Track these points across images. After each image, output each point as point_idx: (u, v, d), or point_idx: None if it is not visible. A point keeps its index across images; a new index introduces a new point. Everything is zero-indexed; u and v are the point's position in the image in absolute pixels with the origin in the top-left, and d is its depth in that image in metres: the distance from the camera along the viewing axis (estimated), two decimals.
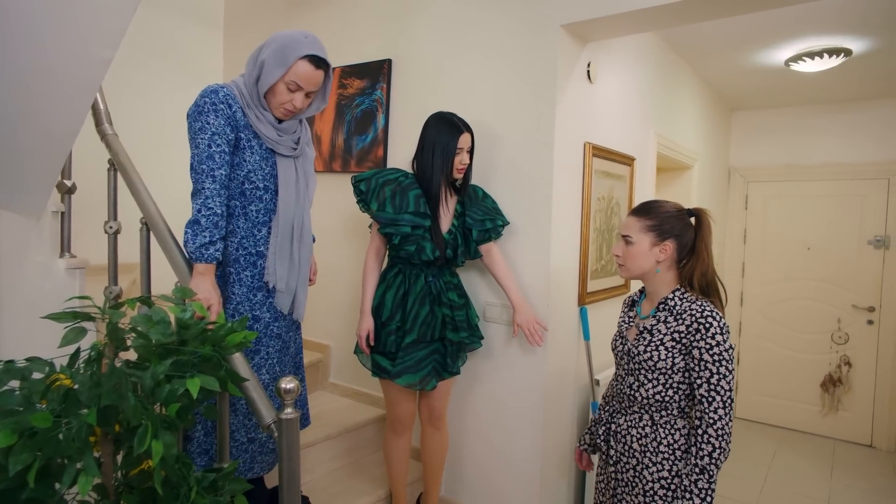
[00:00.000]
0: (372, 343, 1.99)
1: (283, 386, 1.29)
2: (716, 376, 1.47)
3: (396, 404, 2.03)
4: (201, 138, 1.56)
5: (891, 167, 4.11)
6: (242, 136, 1.63)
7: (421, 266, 1.99)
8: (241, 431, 1.70)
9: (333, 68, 2.71)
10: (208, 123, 1.56)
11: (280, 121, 1.70)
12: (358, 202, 2.06)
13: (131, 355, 1.28)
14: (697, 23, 2.11)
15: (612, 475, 1.66)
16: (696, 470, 1.46)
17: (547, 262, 2.10)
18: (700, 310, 1.53)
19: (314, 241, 1.91)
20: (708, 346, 1.48)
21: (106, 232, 1.81)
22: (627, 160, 2.67)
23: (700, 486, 1.45)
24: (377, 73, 2.57)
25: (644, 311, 1.66)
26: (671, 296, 1.58)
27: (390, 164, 2.56)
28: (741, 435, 4.38)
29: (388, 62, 2.52)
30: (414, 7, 2.46)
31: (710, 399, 1.46)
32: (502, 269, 2.09)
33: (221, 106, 1.58)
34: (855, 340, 4.25)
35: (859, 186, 4.24)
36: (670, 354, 1.54)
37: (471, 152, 2.01)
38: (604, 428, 1.71)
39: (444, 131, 1.95)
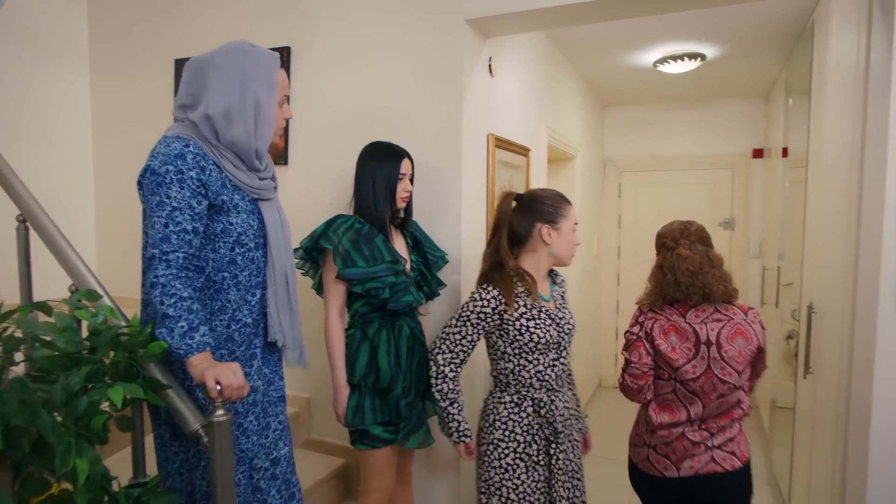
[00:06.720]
0: (361, 422, 1.77)
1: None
2: None
3: (386, 472, 1.84)
4: (157, 216, 1.27)
5: (734, 159, 4.73)
6: (225, 198, 1.36)
7: (401, 315, 1.84)
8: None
9: None
10: (168, 198, 1.27)
11: (258, 156, 1.45)
12: (303, 264, 1.84)
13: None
14: (586, 24, 2.28)
15: (573, 462, 1.73)
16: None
17: (459, 252, 2.17)
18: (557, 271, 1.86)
19: None
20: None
21: None
22: (524, 151, 2.82)
23: None
24: None
25: (544, 291, 1.75)
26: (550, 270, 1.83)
27: (292, 157, 2.47)
28: None
29: (288, 50, 2.43)
30: None
31: None
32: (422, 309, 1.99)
33: (191, 173, 1.30)
34: None
35: (710, 175, 4.83)
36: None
37: (411, 180, 1.90)
38: (549, 429, 1.68)
39: (385, 158, 1.83)
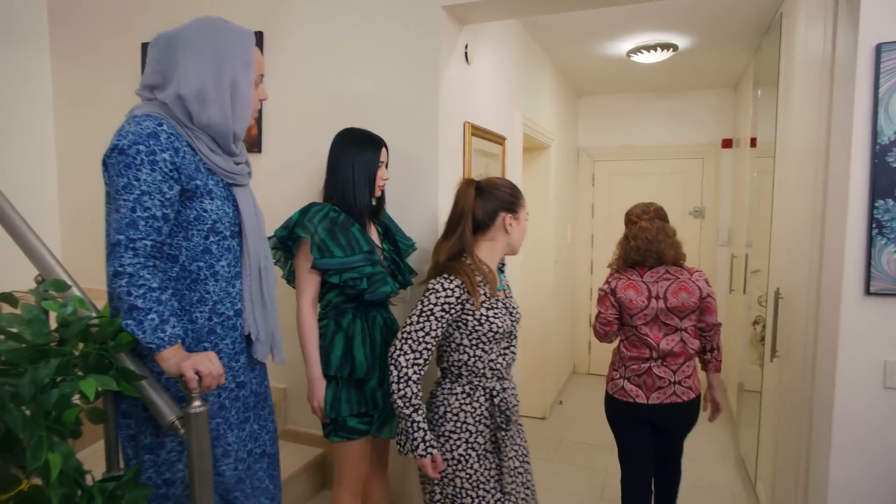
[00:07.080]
0: (338, 414, 1.74)
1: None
2: None
3: (360, 463, 1.82)
4: (124, 200, 1.19)
5: (704, 148, 4.82)
6: (199, 182, 1.29)
7: (375, 305, 1.82)
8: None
9: None
10: (138, 180, 1.19)
11: (235, 139, 1.39)
12: (276, 253, 1.80)
13: None
14: (561, 12, 2.29)
15: (521, 447, 1.74)
16: None
17: (435, 240, 2.16)
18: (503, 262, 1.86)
19: None
20: None
21: None
22: (500, 139, 2.82)
23: None
24: None
25: (496, 281, 1.72)
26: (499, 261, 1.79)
27: (265, 145, 2.43)
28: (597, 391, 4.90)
29: (260, 34, 2.38)
30: None
31: None
32: None
33: (164, 155, 1.21)
34: None
35: (681, 165, 4.92)
36: None
37: (386, 167, 1.88)
38: (502, 417, 1.66)
39: (364, 145, 1.80)
